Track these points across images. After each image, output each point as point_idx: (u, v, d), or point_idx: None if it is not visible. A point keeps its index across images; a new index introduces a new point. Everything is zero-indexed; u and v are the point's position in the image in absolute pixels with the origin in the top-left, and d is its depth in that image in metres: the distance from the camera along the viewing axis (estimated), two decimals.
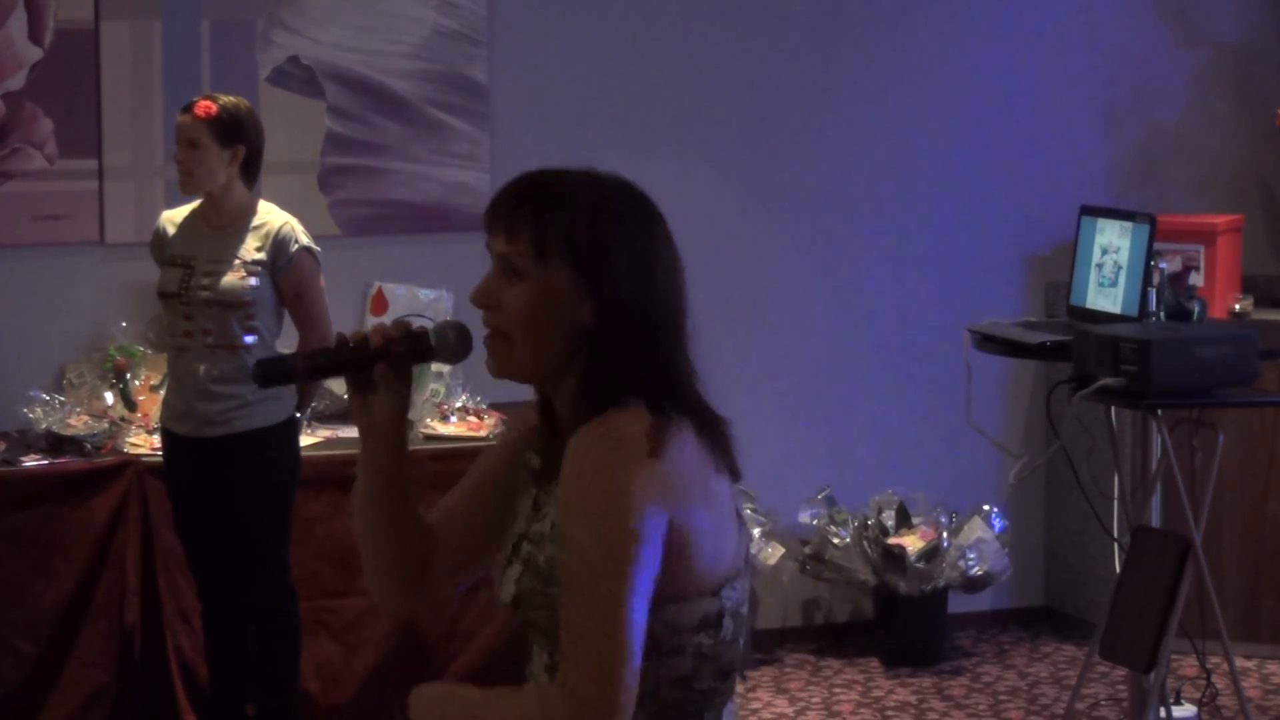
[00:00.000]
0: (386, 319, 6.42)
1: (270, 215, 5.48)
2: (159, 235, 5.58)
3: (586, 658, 2.36)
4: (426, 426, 6.19)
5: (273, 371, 2.60)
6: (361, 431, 2.62)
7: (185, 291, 5.43)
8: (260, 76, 6.50)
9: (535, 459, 2.61)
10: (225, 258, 5.42)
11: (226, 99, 5.50)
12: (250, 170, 5.49)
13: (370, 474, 2.62)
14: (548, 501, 2.54)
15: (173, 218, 5.58)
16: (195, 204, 5.55)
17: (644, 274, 2.49)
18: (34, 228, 6.35)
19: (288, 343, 5.58)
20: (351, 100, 6.57)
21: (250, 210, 5.48)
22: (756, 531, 6.63)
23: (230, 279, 5.40)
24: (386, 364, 2.56)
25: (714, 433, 2.50)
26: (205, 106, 5.43)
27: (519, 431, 2.68)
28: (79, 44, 6.34)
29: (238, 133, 5.44)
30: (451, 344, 2.58)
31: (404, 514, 2.62)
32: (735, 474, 2.53)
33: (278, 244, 5.42)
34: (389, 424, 2.59)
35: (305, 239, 5.47)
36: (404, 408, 2.59)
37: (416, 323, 2.65)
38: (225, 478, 5.46)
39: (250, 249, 5.42)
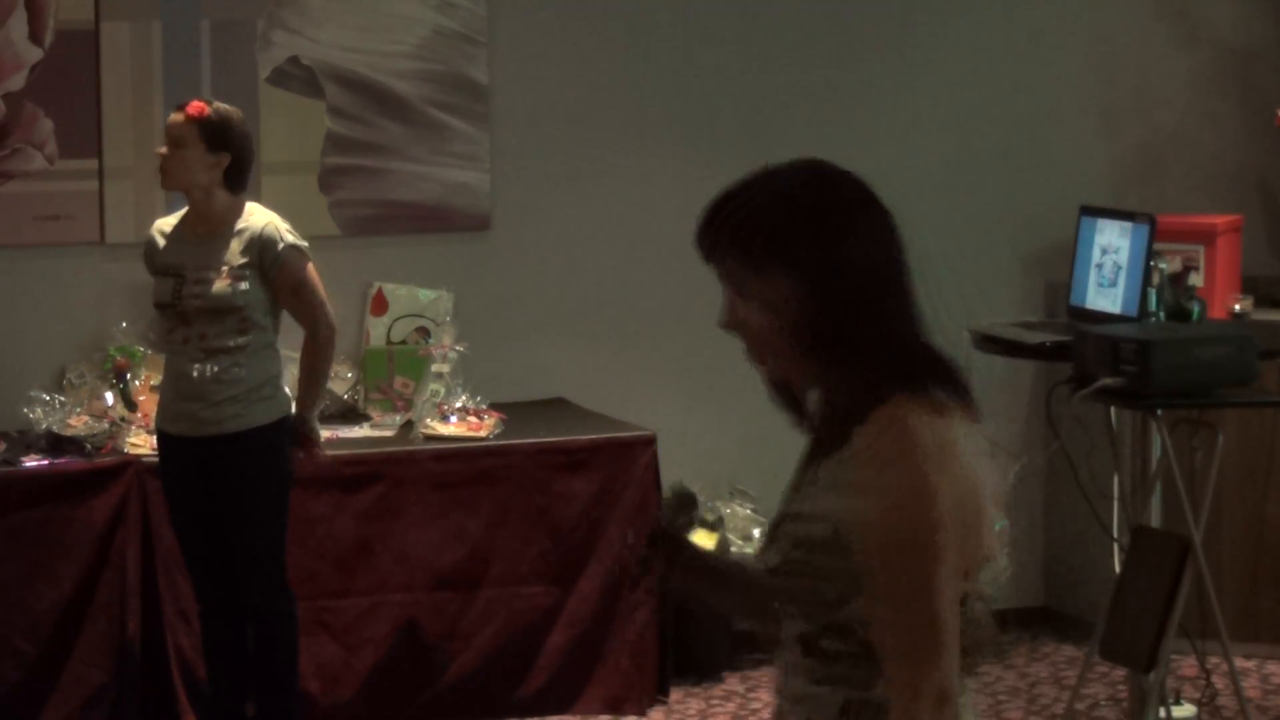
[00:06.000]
0: (386, 319, 6.43)
1: (253, 217, 5.48)
2: (150, 245, 5.58)
3: (905, 656, 2.39)
4: (426, 427, 6.18)
5: None
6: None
7: (178, 301, 5.45)
8: (260, 76, 6.50)
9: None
10: (212, 265, 5.43)
11: (221, 105, 5.50)
12: (235, 178, 5.48)
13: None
14: (811, 480, 2.56)
15: (162, 227, 5.59)
16: (184, 211, 5.56)
17: (832, 251, 2.56)
18: (34, 228, 6.35)
19: (288, 338, 5.59)
20: (351, 100, 6.57)
21: (234, 215, 5.47)
22: (756, 531, 6.62)
23: (220, 286, 5.41)
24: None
25: (952, 381, 2.57)
26: (198, 107, 5.44)
27: None
28: (79, 44, 6.34)
29: (224, 139, 5.43)
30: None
31: None
32: (977, 413, 2.61)
33: (262, 245, 5.42)
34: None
35: (290, 236, 5.46)
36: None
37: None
38: (219, 478, 5.46)
39: (235, 254, 5.43)
